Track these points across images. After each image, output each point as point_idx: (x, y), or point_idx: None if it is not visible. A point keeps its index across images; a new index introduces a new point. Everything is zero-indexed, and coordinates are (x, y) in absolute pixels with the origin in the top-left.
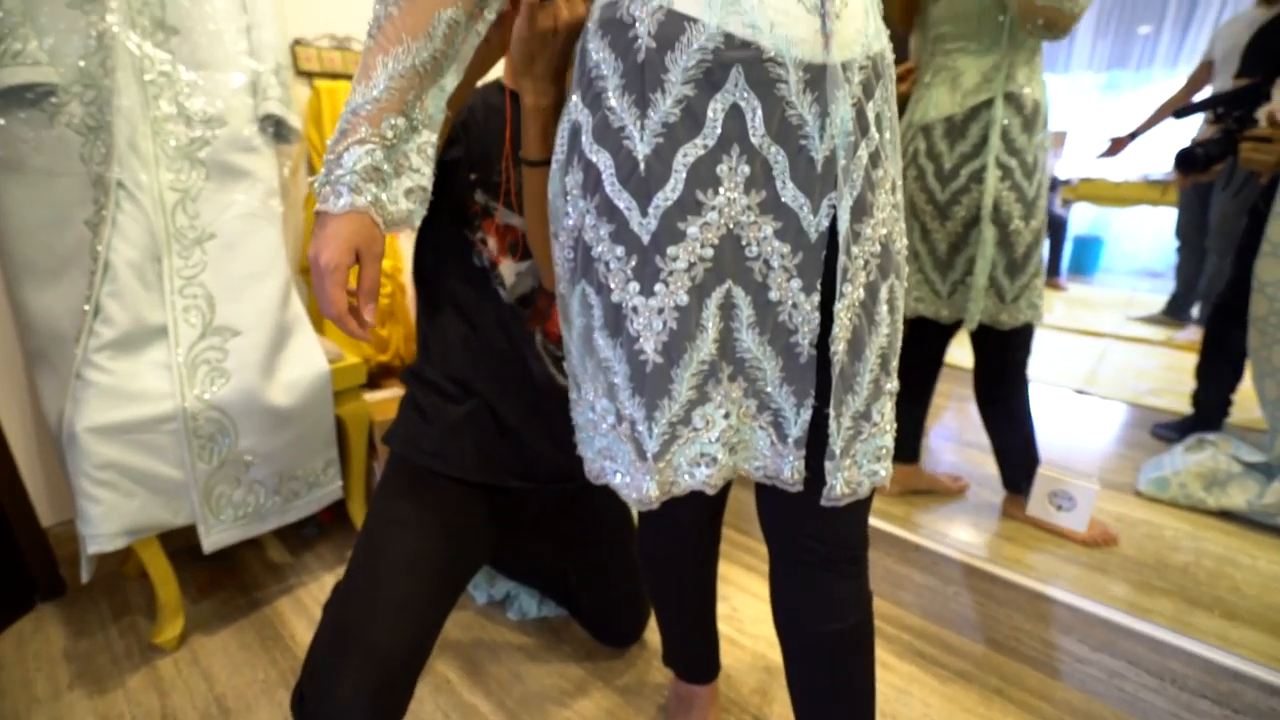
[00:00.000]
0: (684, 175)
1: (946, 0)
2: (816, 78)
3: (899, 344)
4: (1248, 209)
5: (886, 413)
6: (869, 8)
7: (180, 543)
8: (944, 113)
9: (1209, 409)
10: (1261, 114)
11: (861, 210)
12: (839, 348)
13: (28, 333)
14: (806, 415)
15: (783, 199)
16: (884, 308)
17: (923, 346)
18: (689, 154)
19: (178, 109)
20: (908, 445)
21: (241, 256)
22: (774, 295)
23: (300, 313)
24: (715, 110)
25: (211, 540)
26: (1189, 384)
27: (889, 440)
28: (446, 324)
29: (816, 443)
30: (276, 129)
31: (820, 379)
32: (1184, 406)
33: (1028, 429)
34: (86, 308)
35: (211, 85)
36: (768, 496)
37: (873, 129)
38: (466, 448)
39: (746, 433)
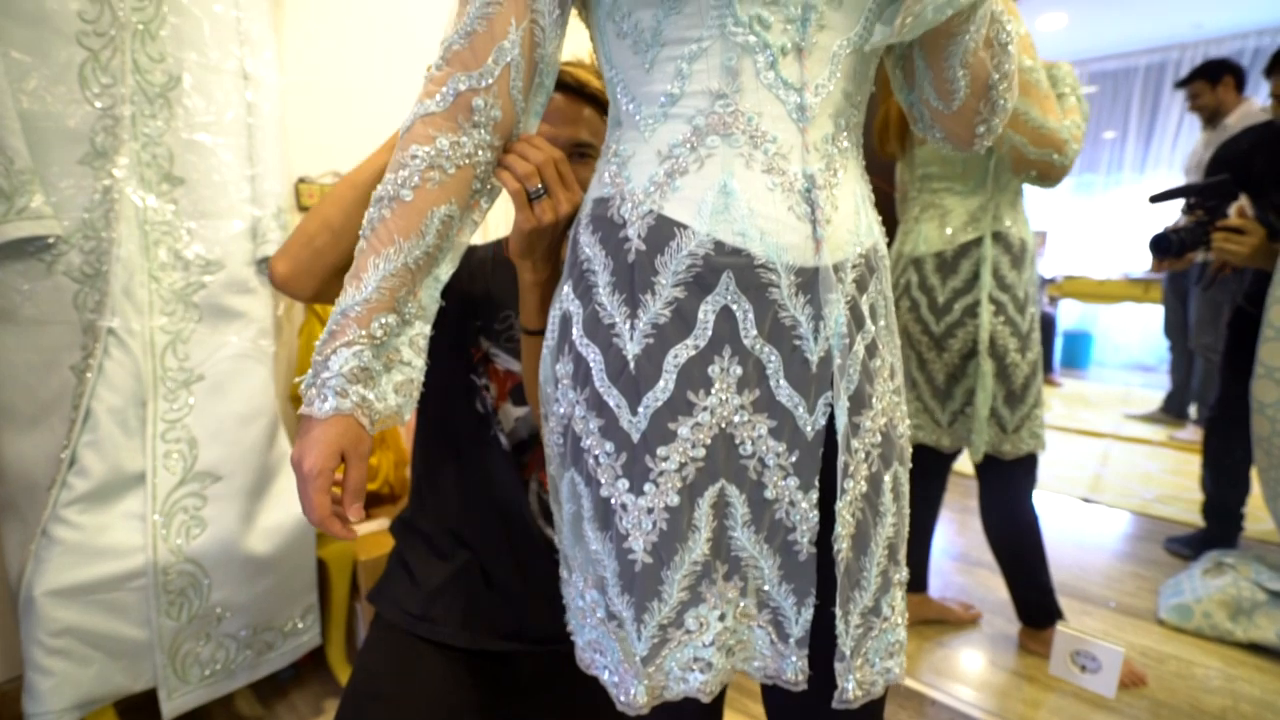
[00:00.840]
0: (674, 376)
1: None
2: (809, 280)
3: (906, 530)
4: (1228, 320)
5: (898, 605)
6: (860, 204)
7: (140, 695)
8: (934, 248)
9: (1221, 523)
10: (1233, 209)
11: (860, 403)
12: (842, 545)
13: None
14: (808, 614)
15: (777, 398)
16: (888, 497)
17: (924, 474)
18: (679, 355)
19: (176, 256)
20: (914, 575)
21: (229, 398)
22: (770, 494)
23: (286, 451)
24: (706, 312)
25: (173, 706)
26: (1195, 488)
27: (902, 634)
28: (443, 469)
29: (820, 640)
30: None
31: (823, 575)
32: (1194, 515)
33: (1038, 560)
34: (63, 456)
35: (211, 232)
36: (774, 696)
37: (868, 322)
38: (454, 610)
39: (744, 632)
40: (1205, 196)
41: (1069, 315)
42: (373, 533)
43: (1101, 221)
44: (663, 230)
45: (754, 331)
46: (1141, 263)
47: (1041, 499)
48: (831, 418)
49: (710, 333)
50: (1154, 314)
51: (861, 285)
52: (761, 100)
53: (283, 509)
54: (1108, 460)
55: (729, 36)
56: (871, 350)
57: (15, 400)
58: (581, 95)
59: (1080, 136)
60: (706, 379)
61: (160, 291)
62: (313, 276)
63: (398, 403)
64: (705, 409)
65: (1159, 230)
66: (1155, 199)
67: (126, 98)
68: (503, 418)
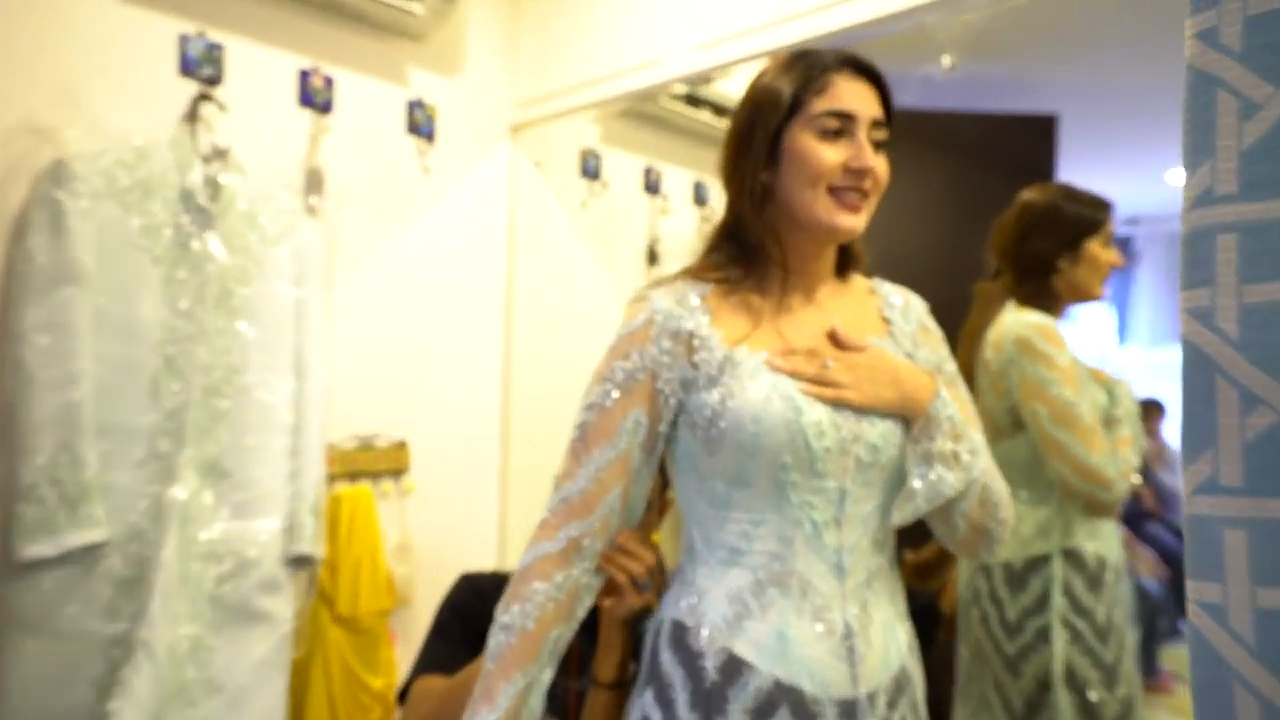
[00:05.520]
0: None
1: (998, 446)
2: (848, 709)
3: None
4: None
5: None
6: (889, 633)
7: None
8: (1001, 557)
9: None
10: None
11: None
12: None
13: None
14: None
15: None
16: None
17: None
18: None
19: (213, 557)
20: None
21: (245, 714)
22: None
23: None
24: None
25: None
26: None
27: None
28: None
29: None
30: (300, 560)
31: None
32: None
33: None
34: None
35: (250, 532)
36: None
37: None
38: None
39: None
40: None
41: None
42: None
43: None
44: (732, 667)
45: None
46: None
47: None
48: None
49: None
50: None
51: (892, 703)
52: (809, 562)
53: None
54: None
55: (785, 513)
56: None
57: (28, 715)
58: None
59: (1130, 473)
60: None
61: (191, 595)
62: None
63: None
64: None
65: None
66: None
67: (191, 402)
68: None
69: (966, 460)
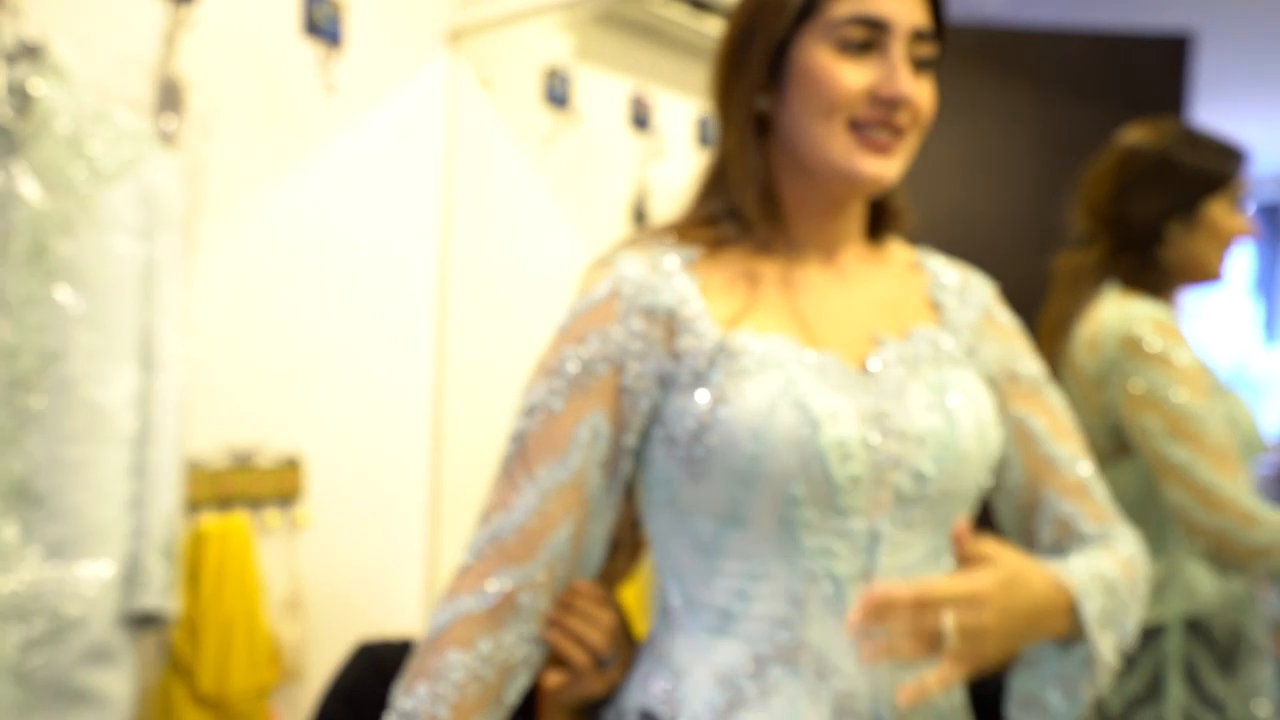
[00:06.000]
0: None
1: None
2: None
3: None
4: None
5: None
6: None
7: None
8: None
9: None
10: None
11: None
12: None
13: None
14: None
15: None
16: None
17: None
18: None
19: (19, 616)
20: None
21: None
22: None
23: None
24: None
25: None
26: None
27: None
28: None
29: None
30: (145, 619)
31: None
32: None
33: None
34: None
35: (71, 581)
36: None
37: None
38: None
39: None
40: None
41: None
42: None
43: None
44: None
45: None
46: None
47: None
48: None
49: None
50: None
51: None
52: (828, 631)
53: None
54: None
55: (793, 562)
56: None
57: None
58: None
59: None
60: None
61: None
62: None
63: None
64: None
65: None
66: None
67: None
68: None
69: (1125, 601)
